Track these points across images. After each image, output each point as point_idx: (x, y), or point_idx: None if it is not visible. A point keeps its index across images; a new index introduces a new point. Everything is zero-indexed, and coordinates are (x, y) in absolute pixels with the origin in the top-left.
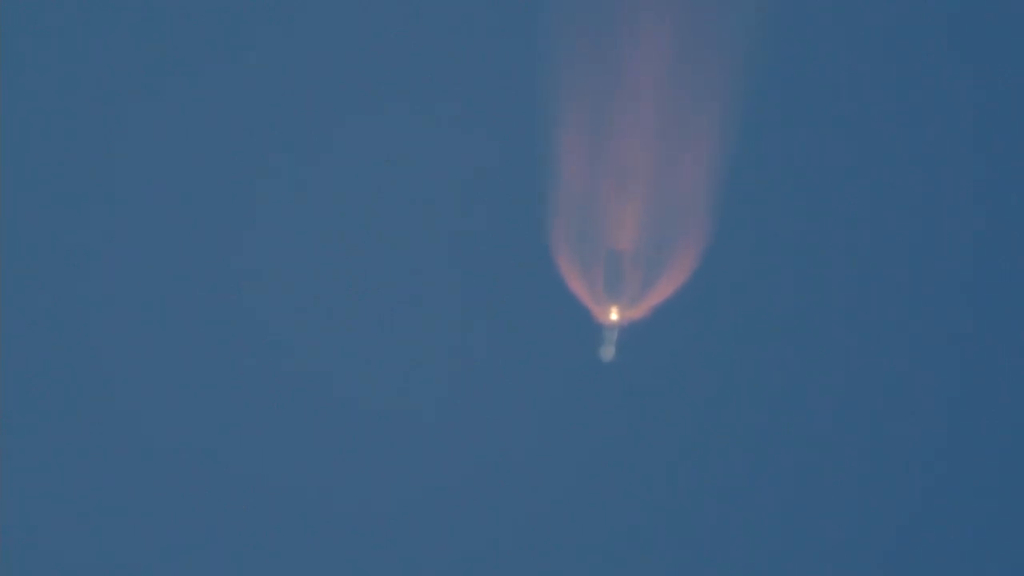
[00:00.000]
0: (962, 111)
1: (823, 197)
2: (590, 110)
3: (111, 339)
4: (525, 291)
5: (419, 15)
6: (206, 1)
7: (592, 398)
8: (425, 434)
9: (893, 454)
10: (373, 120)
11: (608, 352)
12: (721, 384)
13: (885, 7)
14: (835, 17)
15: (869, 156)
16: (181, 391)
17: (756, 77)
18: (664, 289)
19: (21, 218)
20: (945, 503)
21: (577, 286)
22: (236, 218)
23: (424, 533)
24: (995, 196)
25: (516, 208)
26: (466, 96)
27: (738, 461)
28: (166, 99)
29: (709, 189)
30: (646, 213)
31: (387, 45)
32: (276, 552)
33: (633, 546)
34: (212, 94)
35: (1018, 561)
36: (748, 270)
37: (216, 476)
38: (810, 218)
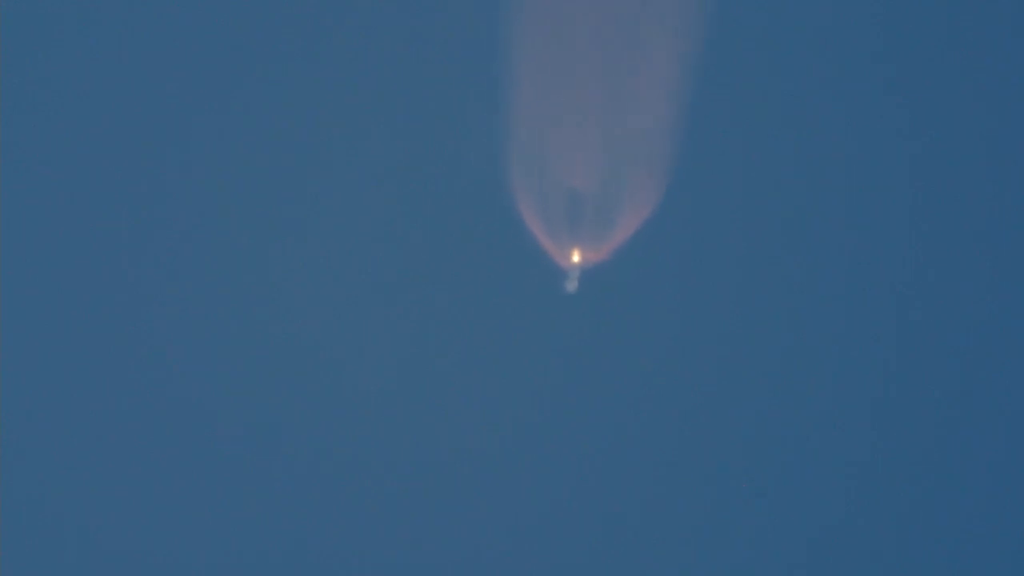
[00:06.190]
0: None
1: (790, 133)
2: (550, 50)
3: (114, 337)
4: (485, 235)
5: None
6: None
7: (556, 344)
8: (385, 382)
9: (849, 401)
10: (327, 61)
11: (572, 286)
12: (685, 323)
13: None
14: None
15: (839, 98)
16: (169, 388)
17: (724, 10)
18: (626, 229)
19: (21, 219)
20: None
21: (537, 228)
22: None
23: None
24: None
25: (473, 149)
26: (422, 38)
27: (701, 403)
28: (163, 99)
29: (672, 128)
30: (607, 152)
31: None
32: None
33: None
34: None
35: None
36: (713, 211)
37: (203, 474)
38: (776, 155)
